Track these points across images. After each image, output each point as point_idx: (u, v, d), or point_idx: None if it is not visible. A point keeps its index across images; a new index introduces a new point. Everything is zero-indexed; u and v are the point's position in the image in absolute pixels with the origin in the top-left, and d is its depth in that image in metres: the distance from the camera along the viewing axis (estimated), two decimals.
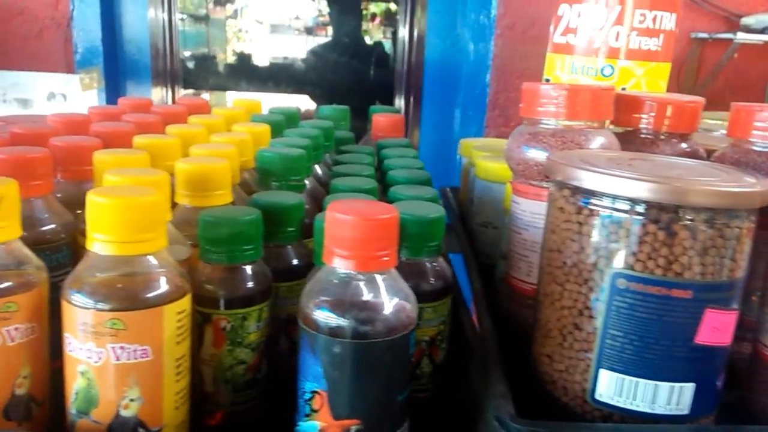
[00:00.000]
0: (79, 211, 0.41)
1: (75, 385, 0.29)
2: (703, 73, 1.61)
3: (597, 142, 0.40)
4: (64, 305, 0.29)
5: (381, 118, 0.64)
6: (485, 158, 0.60)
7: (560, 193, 0.34)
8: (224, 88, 2.49)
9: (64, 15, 1.65)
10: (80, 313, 0.28)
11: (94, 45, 1.66)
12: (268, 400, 0.37)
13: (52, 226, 0.38)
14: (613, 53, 0.57)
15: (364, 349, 0.28)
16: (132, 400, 0.29)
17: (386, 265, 0.29)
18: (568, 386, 0.34)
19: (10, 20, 1.64)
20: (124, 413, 0.29)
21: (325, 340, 0.28)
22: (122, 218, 0.28)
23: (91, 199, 0.28)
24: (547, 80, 0.61)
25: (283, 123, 0.62)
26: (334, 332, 0.28)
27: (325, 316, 0.29)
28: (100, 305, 0.28)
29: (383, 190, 0.45)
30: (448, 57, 1.78)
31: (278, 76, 3.00)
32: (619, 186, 0.30)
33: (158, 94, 1.76)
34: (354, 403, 0.28)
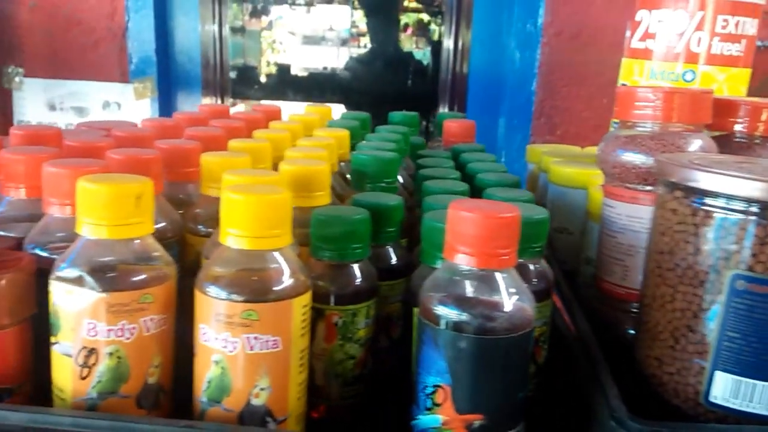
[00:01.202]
0: (181, 211, 0.42)
1: (208, 373, 0.30)
2: (755, 79, 1.57)
3: (696, 145, 0.40)
4: (199, 297, 0.30)
5: (453, 124, 0.65)
6: (559, 163, 0.60)
7: (671, 195, 0.34)
8: (267, 98, 2.54)
9: (120, 26, 1.70)
10: (216, 304, 0.29)
11: (147, 55, 1.72)
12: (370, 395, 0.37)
13: (163, 224, 0.39)
14: (693, 58, 0.57)
15: (490, 345, 0.28)
16: (262, 389, 0.30)
17: (507, 263, 0.29)
18: (679, 388, 0.33)
19: (67, 31, 1.70)
20: (255, 402, 0.30)
21: (450, 335, 0.29)
22: (256, 214, 0.30)
23: (228, 196, 0.30)
24: (624, 85, 0.61)
25: (359, 128, 0.63)
26: (459, 327, 0.29)
27: (448, 312, 0.29)
28: (236, 297, 0.29)
29: (471, 193, 0.45)
30: (493, 65, 1.78)
31: (318, 86, 3.04)
32: (738, 187, 0.30)
33: (208, 104, 1.80)
34: (478, 399, 0.29)
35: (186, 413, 0.32)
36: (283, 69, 3.27)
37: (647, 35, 0.58)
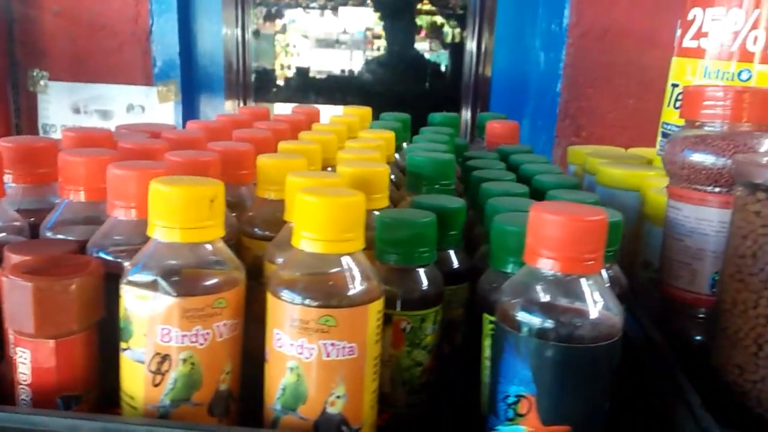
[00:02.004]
0: (233, 213, 0.42)
1: (283, 380, 0.29)
2: None
3: (767, 144, 0.39)
4: (273, 301, 0.29)
5: (497, 125, 0.64)
6: (608, 164, 0.58)
7: (754, 197, 0.33)
8: (289, 101, 2.54)
9: (144, 30, 1.71)
10: (291, 309, 0.28)
11: (171, 58, 1.73)
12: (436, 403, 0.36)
13: None
14: (747, 57, 0.55)
15: (579, 354, 0.27)
16: (338, 397, 0.29)
17: (593, 269, 0.28)
18: (763, 397, 0.32)
19: (92, 35, 1.72)
20: (330, 410, 0.29)
21: (535, 343, 0.28)
22: (332, 217, 0.29)
23: (304, 198, 0.29)
24: (675, 85, 0.59)
25: (401, 130, 0.62)
26: (545, 335, 0.28)
27: (533, 319, 0.28)
28: (312, 302, 0.28)
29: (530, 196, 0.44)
30: (517, 67, 1.77)
31: (336, 88, 3.05)
32: None
33: (230, 107, 1.81)
34: (564, 409, 0.28)
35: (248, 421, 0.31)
36: (301, 72, 3.28)
37: (700, 34, 0.57)
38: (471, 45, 1.78)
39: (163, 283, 0.28)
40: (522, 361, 0.28)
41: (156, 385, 0.29)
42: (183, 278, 0.29)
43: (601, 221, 0.28)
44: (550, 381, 0.28)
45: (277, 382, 0.29)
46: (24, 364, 0.29)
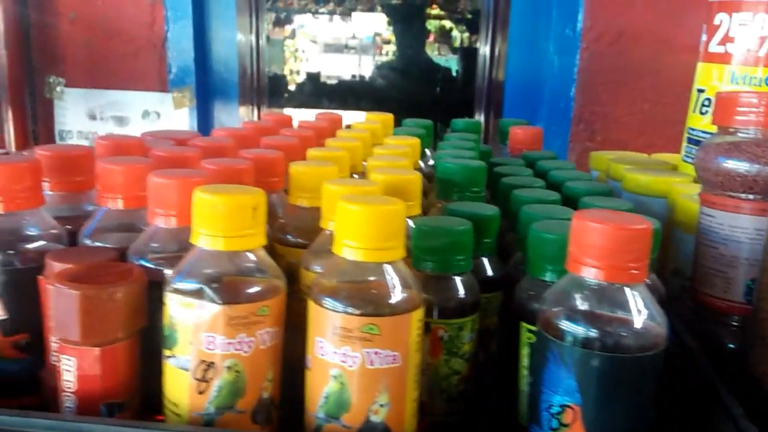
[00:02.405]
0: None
1: (326, 388, 0.29)
2: None
3: None
4: (315, 309, 0.29)
5: (520, 131, 0.64)
6: (634, 170, 0.58)
7: None
8: (302, 106, 2.56)
9: (159, 36, 1.72)
10: (334, 317, 0.29)
11: (186, 65, 1.74)
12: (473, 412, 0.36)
13: None
14: None
15: (626, 364, 0.27)
16: (381, 405, 0.29)
17: (638, 278, 0.28)
18: None
19: (107, 41, 1.73)
20: (374, 418, 0.29)
21: (581, 353, 0.28)
22: (374, 226, 0.29)
23: (346, 206, 0.29)
24: (701, 90, 0.59)
25: (425, 136, 0.63)
26: (591, 345, 0.28)
27: (577, 328, 0.28)
28: (355, 310, 0.28)
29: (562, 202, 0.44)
30: (531, 71, 1.76)
31: (347, 93, 3.06)
32: None
33: (245, 113, 1.82)
34: (610, 419, 0.28)
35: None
36: (312, 77, 3.30)
37: (726, 39, 0.56)
38: (484, 49, 1.79)
39: (208, 290, 0.29)
40: (566, 371, 0.28)
41: (201, 393, 0.29)
42: (227, 286, 0.29)
43: (647, 230, 0.28)
44: (595, 391, 0.28)
45: (320, 389, 0.29)
46: (69, 371, 0.30)
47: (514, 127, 0.64)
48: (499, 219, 0.39)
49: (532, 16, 1.72)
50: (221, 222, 0.29)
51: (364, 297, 0.29)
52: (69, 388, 0.30)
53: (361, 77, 3.24)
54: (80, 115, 1.79)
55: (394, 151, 0.51)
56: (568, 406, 0.28)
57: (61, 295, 0.29)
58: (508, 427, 0.35)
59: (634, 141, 1.62)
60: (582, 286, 0.29)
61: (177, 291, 0.29)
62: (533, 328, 0.33)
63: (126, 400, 0.31)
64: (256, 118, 1.84)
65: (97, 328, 0.29)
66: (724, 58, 0.57)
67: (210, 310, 0.29)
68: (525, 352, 0.34)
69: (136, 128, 1.79)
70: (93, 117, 1.80)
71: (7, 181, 0.34)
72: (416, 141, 0.56)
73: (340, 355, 0.29)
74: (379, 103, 2.64)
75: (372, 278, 0.30)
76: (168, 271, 0.32)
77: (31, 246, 0.35)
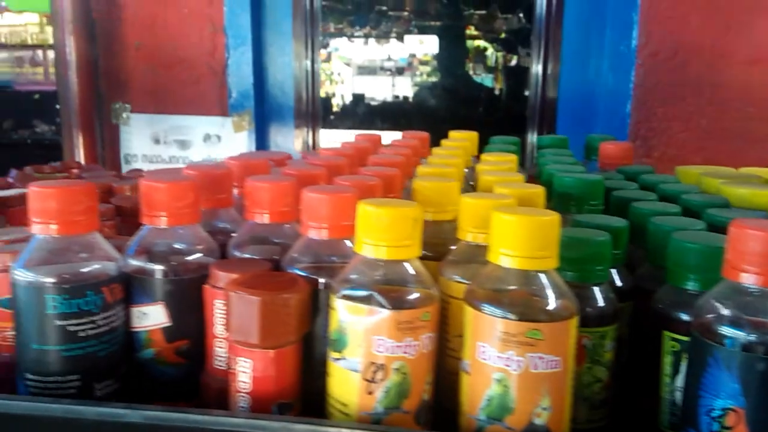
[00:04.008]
0: None
1: (488, 391, 0.31)
2: None
3: None
4: (475, 315, 0.31)
5: (611, 147, 0.65)
6: (731, 184, 0.58)
7: None
8: (357, 128, 2.61)
9: (220, 63, 1.79)
10: (497, 323, 0.30)
11: (246, 89, 1.80)
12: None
13: None
14: None
15: None
16: (544, 409, 0.30)
17: None
18: None
19: (171, 68, 1.81)
20: (537, 422, 0.30)
21: (746, 357, 0.28)
22: (532, 235, 0.30)
23: (503, 217, 0.31)
24: None
25: (517, 152, 0.64)
26: (754, 349, 0.28)
27: (740, 333, 0.29)
28: (519, 316, 0.30)
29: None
30: (584, 88, 1.77)
31: (391, 114, 3.10)
32: None
33: (300, 135, 1.87)
34: None
35: None
36: (356, 99, 3.36)
37: None
38: (536, 68, 1.80)
39: (378, 297, 0.31)
40: (729, 375, 0.29)
41: (370, 393, 0.31)
42: (392, 293, 0.31)
43: None
44: (760, 393, 0.28)
45: (481, 392, 0.31)
46: (245, 372, 0.32)
47: (604, 143, 0.65)
48: (628, 231, 0.40)
49: (584, 34, 1.73)
50: (385, 232, 0.31)
51: (525, 303, 0.30)
52: (244, 388, 0.32)
53: (405, 98, 3.28)
54: (145, 140, 1.87)
55: (497, 167, 0.52)
56: (731, 410, 0.29)
57: (242, 301, 0.31)
58: None
59: (692, 157, 1.60)
60: (741, 292, 0.29)
61: (347, 297, 0.31)
62: (678, 336, 0.34)
63: (293, 400, 0.33)
64: (311, 140, 1.89)
65: (274, 332, 0.31)
66: None
67: (380, 315, 0.30)
68: (668, 360, 0.34)
69: (197, 151, 1.86)
70: (157, 141, 1.88)
71: (172, 199, 0.37)
72: (513, 157, 0.58)
73: (504, 359, 0.30)
74: (425, 122, 2.67)
75: (530, 286, 0.31)
76: (325, 280, 0.34)
77: (191, 258, 0.38)
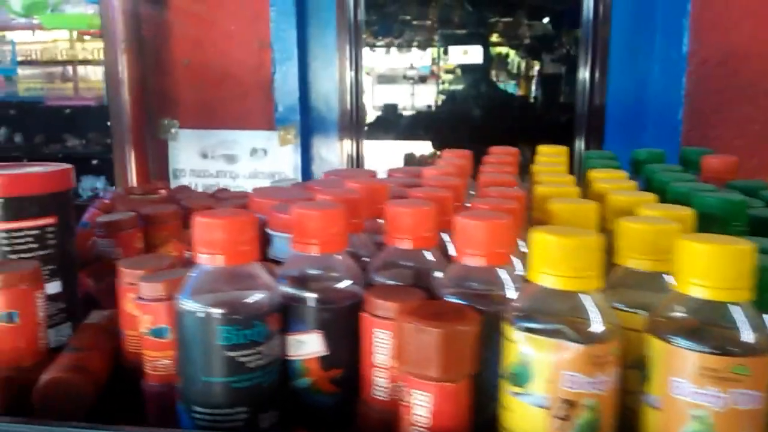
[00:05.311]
0: None
1: (684, 428, 0.29)
2: None
3: None
4: (668, 349, 0.30)
5: (715, 161, 0.63)
6: None
7: None
8: (399, 138, 2.61)
9: (266, 78, 1.81)
10: (697, 358, 0.29)
11: (292, 104, 1.81)
12: None
13: None
14: None
15: None
16: None
17: None
18: None
19: (218, 84, 1.83)
20: None
21: None
22: (726, 264, 0.29)
23: (694, 245, 0.29)
24: None
25: (618, 167, 0.63)
26: None
27: None
28: (722, 351, 0.29)
29: None
30: (633, 96, 1.74)
31: (422, 125, 3.10)
32: None
33: (343, 147, 1.88)
34: None
35: None
36: (389, 109, 3.36)
37: None
38: (584, 75, 1.78)
39: (569, 331, 0.30)
40: None
41: (558, 430, 0.30)
42: (576, 325, 0.30)
43: None
44: None
45: (676, 429, 0.29)
46: (422, 406, 0.31)
47: (707, 156, 0.63)
48: None
49: (633, 41, 1.71)
50: (568, 262, 0.30)
51: (723, 336, 0.29)
52: (423, 423, 0.31)
53: (433, 107, 3.27)
54: (192, 154, 1.89)
55: (619, 185, 0.51)
56: None
57: (420, 332, 0.30)
58: None
59: (745, 164, 1.56)
60: None
61: (532, 330, 0.30)
62: None
63: None
64: (354, 152, 1.90)
65: (453, 364, 0.30)
66: None
67: (572, 349, 0.29)
68: None
69: (244, 165, 1.88)
70: (204, 156, 1.90)
71: (324, 226, 0.37)
72: (623, 173, 0.57)
73: (704, 396, 0.29)
74: (462, 133, 2.66)
75: (725, 319, 0.30)
76: (486, 308, 0.33)
77: (343, 285, 0.37)
